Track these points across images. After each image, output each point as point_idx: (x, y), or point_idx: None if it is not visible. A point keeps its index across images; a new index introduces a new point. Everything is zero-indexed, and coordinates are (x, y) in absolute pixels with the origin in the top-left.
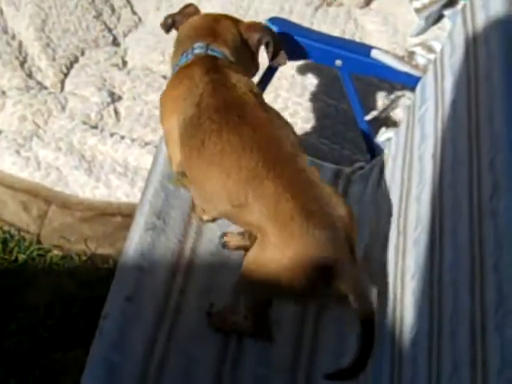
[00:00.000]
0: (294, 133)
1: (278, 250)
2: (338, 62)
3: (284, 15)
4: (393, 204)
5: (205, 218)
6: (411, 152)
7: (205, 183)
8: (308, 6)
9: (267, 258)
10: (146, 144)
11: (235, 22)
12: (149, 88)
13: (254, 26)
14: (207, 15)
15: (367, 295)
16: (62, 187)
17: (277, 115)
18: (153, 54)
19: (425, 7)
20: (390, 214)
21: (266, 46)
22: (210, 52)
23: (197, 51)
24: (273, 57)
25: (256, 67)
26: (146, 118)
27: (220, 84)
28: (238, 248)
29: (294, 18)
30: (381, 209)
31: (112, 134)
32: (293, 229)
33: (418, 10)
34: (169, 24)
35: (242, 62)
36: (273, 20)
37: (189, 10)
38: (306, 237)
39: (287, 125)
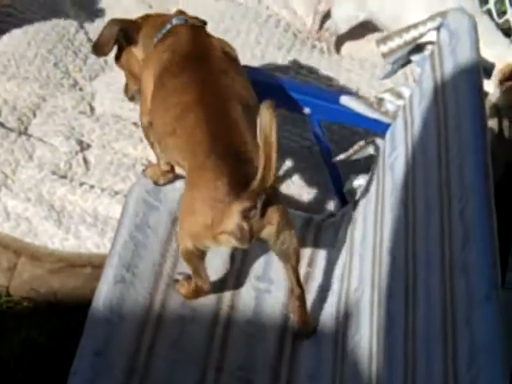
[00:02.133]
0: (249, 90)
1: (189, 179)
2: (307, 110)
3: (256, 61)
4: (366, 254)
5: (161, 181)
6: (383, 199)
7: (157, 121)
8: (280, 50)
9: (184, 193)
10: (116, 193)
11: None
12: (119, 135)
13: None
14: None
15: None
16: (32, 238)
17: (239, 70)
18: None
19: (392, 51)
20: (362, 265)
21: None
22: (189, 21)
23: (175, 22)
24: None
25: None
26: (115, 167)
27: (197, 37)
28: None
29: (266, 62)
30: (353, 259)
31: (81, 184)
32: (199, 155)
33: (384, 55)
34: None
35: None
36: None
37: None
38: (208, 165)
39: (246, 83)
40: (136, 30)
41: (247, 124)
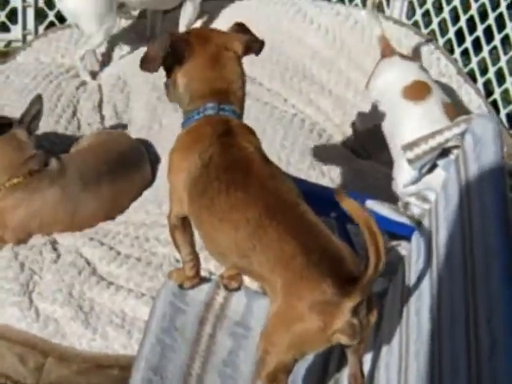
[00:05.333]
0: (295, 186)
1: (286, 292)
2: (333, 214)
3: (281, 166)
4: (392, 361)
5: (186, 285)
6: (408, 304)
7: (217, 238)
8: (304, 154)
9: (279, 306)
10: (143, 295)
11: (231, 51)
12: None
13: (246, 49)
14: (208, 56)
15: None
16: (60, 339)
17: (279, 170)
18: (150, 205)
19: (418, 158)
20: (388, 372)
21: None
22: (221, 113)
23: (208, 112)
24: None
25: None
26: (143, 266)
27: (229, 146)
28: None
29: (291, 166)
30: (379, 365)
31: (109, 285)
32: (295, 268)
33: (411, 161)
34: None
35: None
36: None
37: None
38: (308, 273)
39: (288, 179)
40: (187, 49)
41: (320, 220)
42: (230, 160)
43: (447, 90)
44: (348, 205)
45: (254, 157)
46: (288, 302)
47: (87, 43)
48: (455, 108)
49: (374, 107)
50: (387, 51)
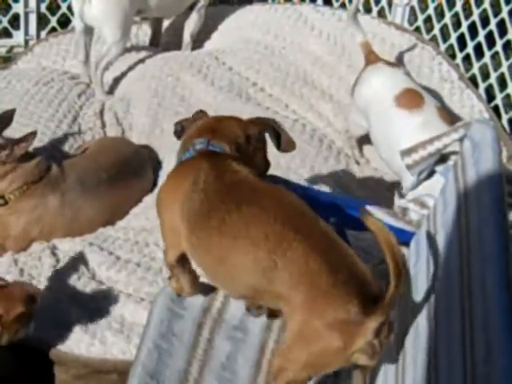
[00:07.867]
0: (301, 199)
1: (307, 309)
2: (332, 219)
3: (280, 171)
4: (389, 366)
5: (184, 295)
6: (406, 311)
7: (229, 259)
8: (305, 160)
9: (298, 323)
10: (142, 299)
11: (239, 121)
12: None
13: (255, 122)
14: (213, 117)
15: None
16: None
17: (281, 187)
18: (150, 211)
19: (416, 163)
20: (386, 376)
21: (271, 137)
22: (210, 147)
23: (198, 146)
24: (278, 145)
25: (264, 164)
26: (142, 272)
27: (222, 170)
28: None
29: (291, 172)
30: (377, 369)
31: (108, 290)
32: (321, 285)
33: (409, 166)
34: (178, 131)
35: (246, 158)
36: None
37: (197, 116)
38: (335, 292)
39: (293, 193)
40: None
41: (337, 235)
42: (228, 182)
43: (434, 93)
44: (373, 225)
45: (251, 178)
46: (308, 319)
47: (108, 53)
48: (446, 111)
49: (363, 115)
50: (371, 58)
